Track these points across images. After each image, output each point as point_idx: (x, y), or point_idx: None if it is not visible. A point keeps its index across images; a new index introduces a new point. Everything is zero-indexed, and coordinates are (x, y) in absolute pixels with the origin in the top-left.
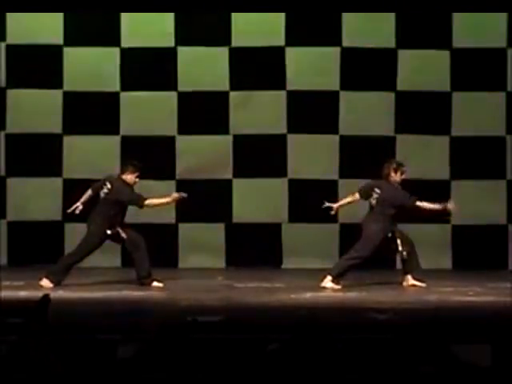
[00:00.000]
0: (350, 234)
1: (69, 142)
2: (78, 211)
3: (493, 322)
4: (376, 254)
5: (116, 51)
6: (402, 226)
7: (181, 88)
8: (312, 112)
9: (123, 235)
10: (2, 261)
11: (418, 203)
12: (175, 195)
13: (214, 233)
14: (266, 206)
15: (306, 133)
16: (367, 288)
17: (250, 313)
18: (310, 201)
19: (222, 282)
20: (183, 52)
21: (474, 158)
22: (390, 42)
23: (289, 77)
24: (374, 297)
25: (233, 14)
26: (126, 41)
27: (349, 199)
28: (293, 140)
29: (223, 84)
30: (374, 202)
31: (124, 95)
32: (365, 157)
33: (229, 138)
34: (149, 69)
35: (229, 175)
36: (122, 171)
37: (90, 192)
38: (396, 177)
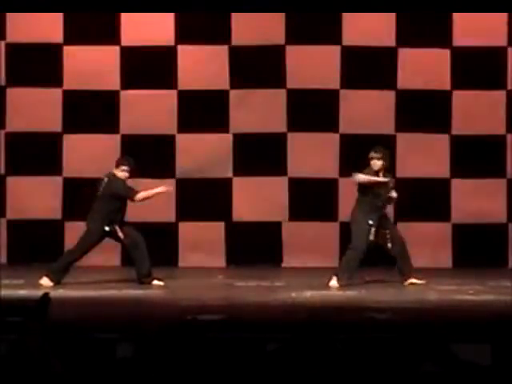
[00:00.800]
0: (350, 232)
1: (69, 140)
2: None
3: (493, 320)
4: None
5: (116, 50)
6: (402, 225)
7: (180, 87)
8: (312, 110)
9: (120, 234)
10: (2, 259)
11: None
12: (164, 187)
13: (214, 231)
14: (266, 204)
15: (306, 131)
16: (367, 287)
17: (250, 311)
18: (310, 199)
19: (222, 280)
20: (183, 50)
21: (474, 157)
22: (391, 41)
23: (289, 75)
24: (374, 296)
25: (232, 13)
26: (126, 39)
27: None
28: (293, 138)
29: (223, 82)
30: None
31: (124, 94)
32: (365, 155)
33: (229, 137)
34: (148, 67)
35: (229, 174)
36: (115, 166)
37: None
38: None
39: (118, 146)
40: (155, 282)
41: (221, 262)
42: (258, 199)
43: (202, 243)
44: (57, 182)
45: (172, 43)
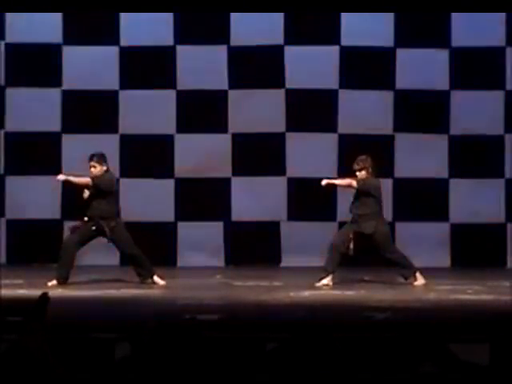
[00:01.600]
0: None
1: (67, 140)
2: None
3: (492, 320)
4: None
5: (115, 50)
6: (401, 225)
7: (179, 87)
8: (311, 111)
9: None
10: (1, 259)
11: None
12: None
13: (213, 231)
14: (265, 204)
15: (305, 131)
16: (366, 286)
17: (249, 311)
18: (308, 199)
19: (220, 280)
20: (182, 51)
21: (473, 157)
22: (389, 41)
23: (287, 75)
24: (373, 295)
25: (231, 13)
26: (125, 39)
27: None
28: (291, 139)
29: (222, 82)
30: None
31: (123, 94)
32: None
33: (227, 137)
34: (148, 67)
35: (227, 174)
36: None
37: None
38: None
39: (117, 146)
40: (156, 279)
41: (220, 261)
42: (256, 199)
43: (200, 243)
44: (56, 181)
45: (171, 43)
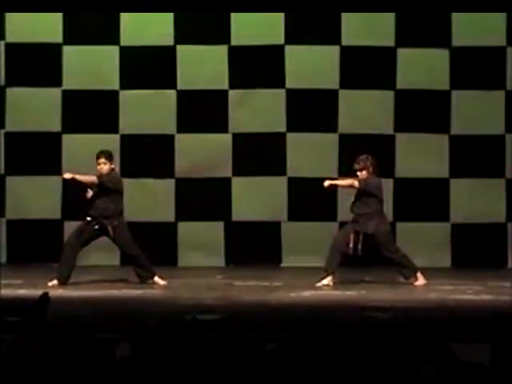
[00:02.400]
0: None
1: (68, 140)
2: None
3: (492, 320)
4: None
5: (115, 50)
6: (401, 225)
7: (180, 86)
8: (311, 110)
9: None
10: (2, 259)
11: None
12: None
13: (214, 231)
14: (266, 204)
15: (305, 131)
16: (366, 287)
17: (249, 311)
18: (309, 199)
19: (221, 280)
20: (182, 50)
21: (473, 157)
22: (389, 41)
23: (288, 75)
24: (373, 295)
25: (232, 13)
26: (126, 39)
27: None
28: (292, 138)
29: (222, 82)
30: None
31: (123, 94)
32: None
33: (228, 137)
34: (148, 67)
35: (228, 174)
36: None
37: None
38: None
39: (118, 145)
40: (156, 279)
41: (220, 261)
42: (257, 199)
43: (201, 243)
44: (56, 181)
45: (171, 43)
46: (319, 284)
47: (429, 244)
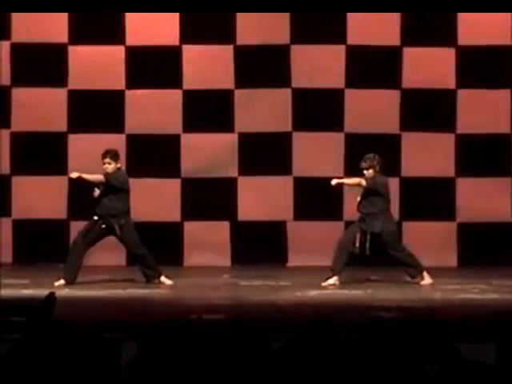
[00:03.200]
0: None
1: (74, 140)
2: None
3: (498, 319)
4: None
5: (121, 49)
6: (407, 224)
7: (185, 86)
8: (317, 110)
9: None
10: (7, 259)
11: None
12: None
13: (219, 231)
14: (271, 203)
15: (311, 131)
16: (372, 286)
17: (255, 311)
18: (315, 198)
19: (227, 280)
20: (188, 50)
21: (480, 156)
22: (395, 40)
23: (294, 74)
24: (379, 294)
25: (237, 13)
26: (131, 39)
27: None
28: (298, 138)
29: (228, 82)
30: None
31: (129, 93)
32: None
33: (234, 136)
34: (154, 67)
35: (234, 173)
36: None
37: None
38: None
39: (124, 145)
40: (163, 279)
41: (226, 261)
42: (263, 198)
43: (207, 243)
44: (62, 181)
45: (177, 43)
46: (325, 283)
47: (435, 243)
